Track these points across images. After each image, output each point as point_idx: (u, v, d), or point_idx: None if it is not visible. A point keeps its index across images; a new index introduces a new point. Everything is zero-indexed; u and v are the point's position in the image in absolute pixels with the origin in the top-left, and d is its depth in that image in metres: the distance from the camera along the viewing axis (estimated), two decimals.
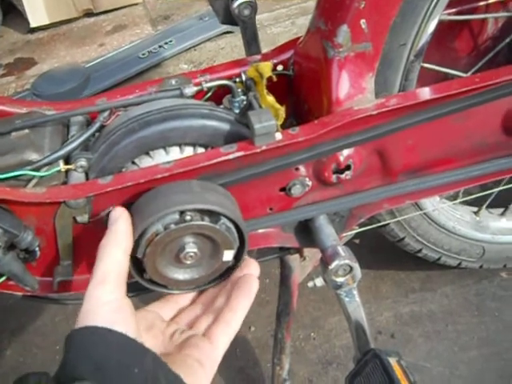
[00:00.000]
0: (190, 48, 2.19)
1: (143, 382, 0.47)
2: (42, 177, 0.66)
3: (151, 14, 2.56)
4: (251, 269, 0.66)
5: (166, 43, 2.19)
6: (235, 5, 0.82)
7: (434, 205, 0.97)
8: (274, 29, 2.20)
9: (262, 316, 1.16)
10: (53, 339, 1.19)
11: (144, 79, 2.06)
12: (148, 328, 0.61)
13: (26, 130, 0.70)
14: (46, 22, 2.52)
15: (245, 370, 1.09)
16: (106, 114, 0.73)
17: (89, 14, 2.60)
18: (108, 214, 0.66)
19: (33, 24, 2.50)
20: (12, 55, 2.41)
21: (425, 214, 0.97)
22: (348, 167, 0.74)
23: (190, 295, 0.68)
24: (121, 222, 0.59)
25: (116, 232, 0.58)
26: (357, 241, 1.20)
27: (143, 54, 2.14)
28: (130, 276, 0.63)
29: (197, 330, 0.62)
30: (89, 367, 0.47)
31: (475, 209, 1.10)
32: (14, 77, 2.26)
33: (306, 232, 0.79)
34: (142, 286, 0.65)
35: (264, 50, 0.87)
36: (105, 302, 0.52)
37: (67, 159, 0.69)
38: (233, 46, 2.17)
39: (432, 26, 0.75)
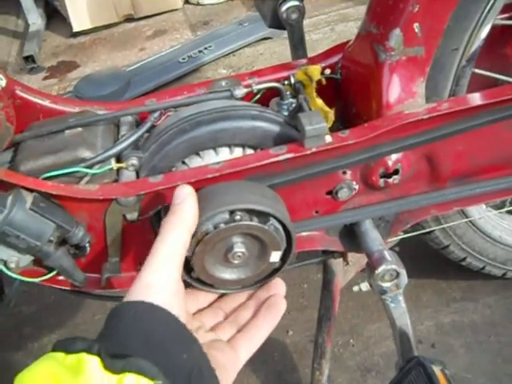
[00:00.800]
0: (228, 53, 2.20)
1: (190, 368, 0.46)
2: (94, 174, 0.68)
3: (191, 19, 2.59)
4: (279, 288, 0.66)
5: (206, 48, 2.20)
6: (283, 9, 0.83)
7: (480, 213, 0.95)
8: (314, 35, 2.20)
9: (300, 321, 1.16)
10: (92, 336, 1.20)
11: (183, 83, 2.08)
12: None
13: (79, 129, 0.71)
14: (89, 26, 2.57)
15: (283, 375, 1.08)
16: (156, 114, 0.74)
17: (129, 19, 2.64)
18: (156, 214, 0.67)
19: (75, 28, 2.56)
20: (55, 58, 2.47)
21: (471, 221, 0.96)
22: (396, 172, 0.74)
23: (209, 298, 0.68)
24: (189, 201, 0.57)
25: (183, 210, 0.56)
26: (397, 248, 1.18)
27: (183, 59, 2.16)
28: None
29: (220, 336, 0.62)
30: (138, 345, 0.45)
31: None
32: (57, 79, 2.31)
33: (351, 236, 0.79)
34: None
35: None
36: (165, 282, 0.50)
37: (118, 158, 0.70)
38: (271, 52, 2.18)
39: (485, 31, 0.74)
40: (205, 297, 0.67)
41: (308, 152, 0.66)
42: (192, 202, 0.57)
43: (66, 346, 0.44)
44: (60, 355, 0.44)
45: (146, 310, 0.48)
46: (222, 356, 0.57)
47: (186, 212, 0.56)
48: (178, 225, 0.55)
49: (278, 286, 0.67)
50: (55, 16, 2.74)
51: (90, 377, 0.42)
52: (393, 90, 0.72)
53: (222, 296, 0.68)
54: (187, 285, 0.66)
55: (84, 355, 0.43)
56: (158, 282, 0.50)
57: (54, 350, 0.45)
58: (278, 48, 2.16)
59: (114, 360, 0.43)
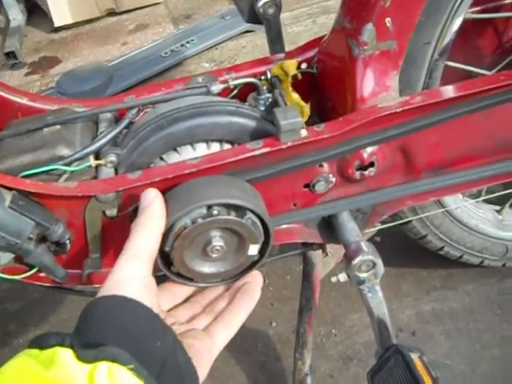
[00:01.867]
0: (211, 47, 2.20)
1: (164, 356, 0.47)
2: (73, 171, 0.68)
3: (173, 13, 2.58)
4: (256, 279, 0.68)
5: (188, 42, 2.20)
6: (260, 4, 0.83)
7: (456, 203, 0.97)
8: (295, 28, 2.21)
9: (283, 312, 1.17)
10: None
11: (166, 78, 2.08)
12: None
13: (58, 126, 0.72)
14: (70, 21, 2.55)
15: (266, 365, 1.10)
16: (134, 111, 0.75)
17: (111, 13, 2.63)
18: (134, 210, 0.68)
19: (57, 23, 2.54)
20: (36, 54, 2.45)
21: (447, 211, 0.97)
22: (371, 164, 0.75)
23: (187, 291, 0.69)
24: (156, 203, 0.59)
25: (151, 212, 0.58)
26: (378, 238, 1.20)
27: (165, 53, 2.16)
28: (157, 269, 0.64)
29: (196, 326, 0.63)
30: (111, 336, 0.46)
31: (498, 207, 1.10)
32: (39, 75, 2.29)
33: (329, 228, 0.80)
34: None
35: (285, 49, 0.88)
36: (135, 276, 0.52)
37: (97, 155, 0.71)
38: (254, 45, 2.18)
39: (456, 24, 0.76)
40: (181, 291, 0.68)
41: (284, 146, 0.67)
42: (159, 203, 0.59)
43: (40, 342, 0.46)
44: (35, 351, 0.45)
45: (119, 303, 0.49)
46: (197, 343, 0.58)
47: (154, 212, 0.58)
48: (147, 225, 0.57)
49: (255, 277, 0.68)
50: (36, 11, 2.72)
51: (62, 367, 0.43)
52: (367, 83, 0.73)
53: (198, 290, 0.69)
54: (164, 279, 0.68)
55: (57, 349, 0.44)
56: (129, 276, 0.52)
57: (30, 347, 0.46)
58: (261, 41, 2.16)
59: (87, 350, 0.44)
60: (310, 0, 2.40)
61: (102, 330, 0.47)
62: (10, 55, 2.33)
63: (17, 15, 2.57)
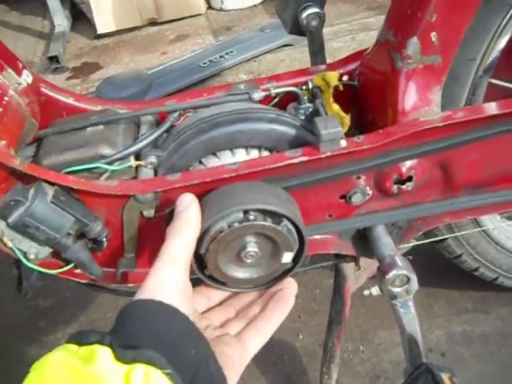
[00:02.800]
0: (250, 59, 2.22)
1: (197, 364, 0.48)
2: (113, 171, 0.69)
3: (213, 24, 2.61)
4: (290, 286, 0.67)
5: (227, 53, 2.22)
6: (304, 15, 0.84)
7: (494, 223, 0.96)
8: (334, 43, 2.21)
9: (311, 325, 1.17)
10: None
11: (204, 88, 2.10)
12: None
13: (101, 126, 0.73)
14: (113, 29, 2.61)
15: (292, 378, 1.09)
16: (175, 114, 0.76)
17: (153, 23, 2.68)
18: (171, 212, 0.68)
19: (100, 30, 2.60)
20: (79, 59, 2.51)
21: (484, 231, 0.96)
22: (410, 178, 0.74)
23: (222, 295, 0.69)
24: (192, 208, 0.60)
25: (187, 217, 0.59)
26: (410, 257, 1.18)
27: (204, 63, 2.18)
28: (191, 272, 0.65)
29: (228, 331, 0.63)
30: (149, 339, 0.47)
31: None
32: (80, 80, 2.35)
33: (363, 241, 0.80)
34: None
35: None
36: (173, 281, 0.53)
37: (138, 156, 0.72)
38: (292, 58, 2.19)
39: (503, 42, 0.75)
40: (216, 295, 0.69)
41: (323, 156, 0.67)
42: (195, 208, 0.60)
43: (79, 338, 0.46)
44: (73, 347, 0.46)
45: (156, 308, 0.50)
46: (228, 349, 0.58)
47: (190, 218, 0.59)
48: (183, 230, 0.58)
49: (289, 284, 0.67)
50: (80, 18, 2.79)
51: (101, 365, 0.43)
52: (409, 97, 0.73)
53: (233, 294, 0.69)
54: (199, 282, 0.68)
55: (96, 346, 0.44)
56: (166, 281, 0.53)
57: (69, 341, 0.47)
58: (299, 55, 2.17)
59: (125, 351, 0.44)
60: (350, 16, 2.41)
61: (139, 333, 0.47)
62: (53, 59, 2.39)
63: (62, 21, 2.64)
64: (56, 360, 0.44)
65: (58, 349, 0.46)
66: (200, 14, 2.69)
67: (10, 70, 0.67)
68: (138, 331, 0.48)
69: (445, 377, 0.72)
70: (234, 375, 0.57)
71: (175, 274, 0.54)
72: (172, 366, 0.45)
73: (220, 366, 0.51)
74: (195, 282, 0.66)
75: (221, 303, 0.69)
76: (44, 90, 0.77)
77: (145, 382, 0.43)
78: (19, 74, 0.70)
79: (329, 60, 0.88)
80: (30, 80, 0.72)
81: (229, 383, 0.53)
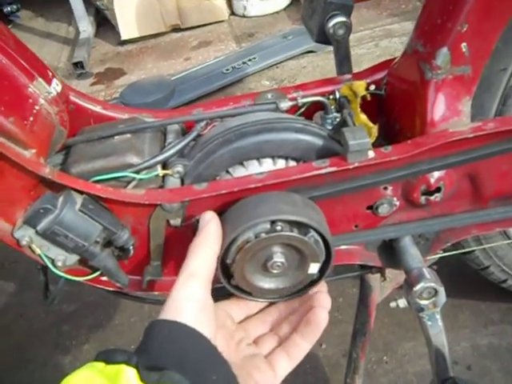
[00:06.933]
0: (272, 65, 2.23)
1: None
2: (141, 179, 0.69)
3: (236, 31, 2.62)
4: (323, 303, 0.66)
5: (250, 60, 2.23)
6: (330, 24, 0.84)
7: None
8: (358, 50, 2.20)
9: (334, 335, 1.16)
10: (128, 339, 1.23)
11: (227, 94, 2.11)
12: (219, 327, 0.61)
13: (128, 135, 0.73)
14: (136, 35, 2.64)
15: None
16: (202, 123, 0.76)
17: (176, 29, 2.70)
18: (198, 221, 0.68)
19: (124, 37, 2.63)
20: (103, 65, 2.54)
21: None
22: (438, 189, 0.73)
23: (261, 304, 0.69)
24: (213, 225, 0.61)
25: (208, 233, 0.60)
26: (435, 267, 1.17)
27: (227, 70, 2.20)
28: (217, 281, 0.65)
29: (261, 350, 0.63)
30: (172, 361, 0.47)
31: None
32: (104, 86, 2.37)
33: (390, 252, 0.79)
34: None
35: None
36: (193, 299, 0.54)
37: (164, 164, 0.72)
38: (315, 65, 2.19)
39: None
40: (255, 303, 0.69)
41: (351, 166, 0.67)
42: (215, 225, 0.61)
43: (107, 356, 0.47)
44: (101, 365, 0.46)
45: (180, 330, 0.51)
46: (258, 375, 0.59)
47: (211, 234, 0.60)
48: (203, 246, 0.59)
49: (322, 299, 0.66)
50: (105, 24, 2.83)
51: None
52: (438, 108, 0.72)
53: (271, 304, 0.69)
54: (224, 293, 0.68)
55: (123, 366, 0.45)
56: (188, 298, 0.54)
57: (96, 359, 0.47)
58: (322, 62, 2.17)
59: (150, 372, 0.45)
60: (374, 23, 2.40)
61: (164, 355, 0.48)
62: (78, 65, 2.42)
63: (86, 27, 2.68)
64: (83, 378, 0.45)
65: (86, 366, 0.47)
66: (223, 21, 2.71)
67: (40, 79, 0.67)
68: (163, 352, 0.49)
69: None
70: None
71: (196, 289, 0.55)
72: None
73: None
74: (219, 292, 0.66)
75: (260, 311, 0.69)
76: (73, 98, 0.78)
77: None
78: (49, 83, 0.71)
79: (353, 67, 0.88)
80: (59, 89, 0.73)
81: None
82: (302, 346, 0.63)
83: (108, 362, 0.46)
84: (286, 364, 0.62)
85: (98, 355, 0.48)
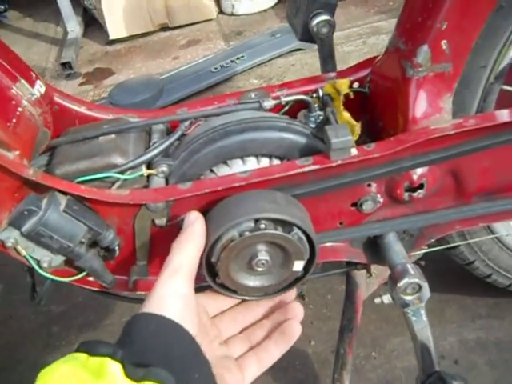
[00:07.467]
0: (261, 64, 2.23)
1: None
2: (125, 180, 0.70)
3: (224, 29, 2.62)
4: (296, 312, 0.67)
5: (238, 58, 2.23)
6: (314, 23, 0.84)
7: (507, 230, 0.95)
8: (346, 47, 2.21)
9: (323, 331, 1.16)
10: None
11: (215, 92, 2.11)
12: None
13: (113, 135, 0.74)
14: (124, 34, 2.64)
15: None
16: (187, 123, 0.76)
17: (164, 28, 2.70)
18: (183, 220, 0.69)
19: (112, 36, 2.62)
20: (91, 65, 2.53)
21: (497, 238, 0.95)
22: (421, 186, 0.74)
23: (233, 300, 0.70)
24: (197, 224, 0.61)
25: (192, 231, 0.60)
26: (422, 263, 1.18)
27: (215, 68, 2.20)
28: (202, 280, 0.65)
29: (232, 352, 0.64)
30: (158, 357, 0.47)
31: None
32: (92, 86, 2.37)
33: (375, 248, 0.80)
34: None
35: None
36: (177, 294, 0.54)
37: (149, 164, 0.72)
38: (303, 63, 2.20)
39: None
40: (231, 298, 0.69)
41: (333, 164, 0.67)
42: (199, 224, 0.61)
43: (90, 348, 0.46)
44: (83, 356, 0.45)
45: (166, 324, 0.50)
46: (229, 376, 0.59)
47: (194, 232, 0.60)
48: (187, 243, 0.59)
49: (296, 309, 0.68)
50: (93, 24, 2.82)
51: (110, 381, 0.43)
52: (419, 105, 0.73)
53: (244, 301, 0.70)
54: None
55: (107, 360, 0.44)
56: (171, 294, 0.54)
57: (78, 350, 0.46)
58: (310, 59, 2.18)
59: (136, 368, 0.44)
60: (361, 20, 2.41)
61: (149, 350, 0.48)
62: (66, 65, 2.42)
63: (74, 27, 2.67)
64: (65, 371, 0.44)
65: (67, 357, 0.46)
66: (211, 19, 2.71)
67: (23, 81, 0.68)
68: (148, 347, 0.48)
69: None
70: None
71: (179, 285, 0.55)
72: None
73: None
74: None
75: (231, 307, 0.69)
76: (57, 99, 0.78)
77: None
78: (32, 84, 0.71)
79: (340, 64, 0.88)
80: (42, 90, 0.73)
81: None
82: (273, 354, 0.64)
83: (90, 353, 0.45)
84: (255, 369, 0.63)
85: (81, 346, 0.46)
